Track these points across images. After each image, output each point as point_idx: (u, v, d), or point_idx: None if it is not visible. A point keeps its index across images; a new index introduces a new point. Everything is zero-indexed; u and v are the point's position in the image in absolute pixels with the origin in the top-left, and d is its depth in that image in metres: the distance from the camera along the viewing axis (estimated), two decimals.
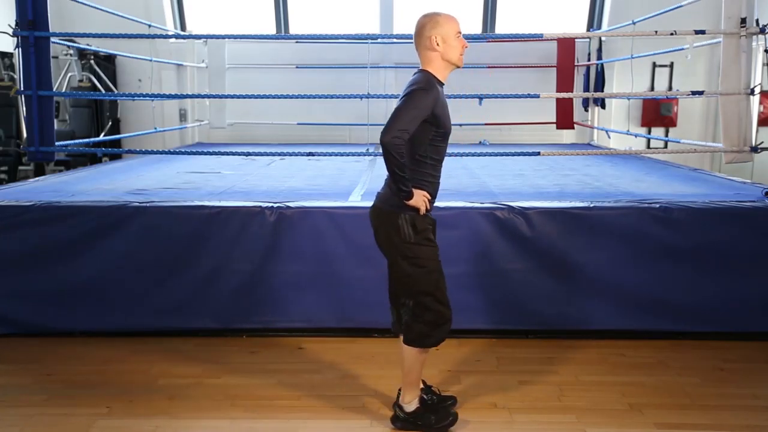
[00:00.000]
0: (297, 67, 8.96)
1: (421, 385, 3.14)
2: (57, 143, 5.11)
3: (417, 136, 2.76)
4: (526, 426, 3.10)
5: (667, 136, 9.02)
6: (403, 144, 2.70)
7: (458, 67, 2.90)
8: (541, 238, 4.06)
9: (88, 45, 8.37)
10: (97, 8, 6.06)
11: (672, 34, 5.18)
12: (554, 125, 8.79)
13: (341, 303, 4.09)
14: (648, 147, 8.91)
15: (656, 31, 5.39)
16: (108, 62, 9.05)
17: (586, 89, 8.75)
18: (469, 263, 4.06)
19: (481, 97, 5.06)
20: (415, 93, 2.74)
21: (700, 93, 5.56)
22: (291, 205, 4.15)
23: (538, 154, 5.29)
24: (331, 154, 5.44)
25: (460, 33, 2.86)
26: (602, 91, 8.50)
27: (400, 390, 3.10)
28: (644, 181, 5.40)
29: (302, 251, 4.08)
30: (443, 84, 2.89)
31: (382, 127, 2.72)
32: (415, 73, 2.90)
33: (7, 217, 4.13)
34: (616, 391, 3.43)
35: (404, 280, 2.92)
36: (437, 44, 2.82)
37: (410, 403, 3.03)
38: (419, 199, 2.82)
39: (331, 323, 4.12)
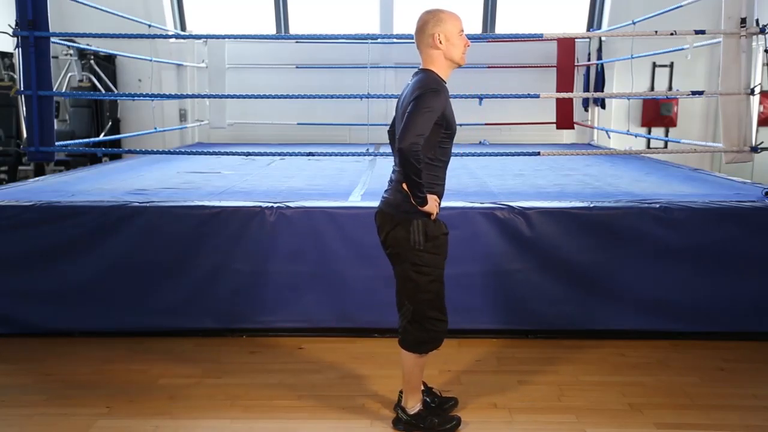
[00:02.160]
0: (297, 67, 8.96)
1: (420, 405, 3.07)
2: (57, 143, 5.10)
3: (427, 138, 2.71)
4: (526, 426, 3.10)
5: (667, 136, 9.02)
6: (420, 150, 2.64)
7: (460, 65, 2.86)
8: (541, 238, 4.06)
9: (88, 45, 8.37)
10: (97, 8, 6.06)
11: (672, 34, 5.18)
12: (554, 125, 8.78)
13: (341, 303, 4.09)
14: (648, 147, 8.91)
15: (656, 31, 5.39)
16: (108, 62, 9.05)
17: (586, 89, 8.75)
18: (469, 263, 4.05)
19: (481, 97, 5.06)
20: (426, 95, 2.68)
21: (700, 93, 5.56)
22: (291, 205, 4.15)
23: (538, 154, 5.29)
24: (331, 154, 5.44)
25: (462, 31, 2.81)
26: (602, 91, 8.49)
27: (401, 392, 3.10)
28: (644, 181, 5.40)
29: (302, 251, 4.08)
30: (445, 82, 2.85)
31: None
32: (416, 73, 2.85)
33: (7, 217, 4.13)
34: (616, 391, 3.43)
35: (408, 285, 2.90)
36: (440, 42, 2.76)
37: (413, 407, 3.02)
38: (432, 204, 2.79)
39: (331, 323, 4.12)
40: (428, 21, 2.79)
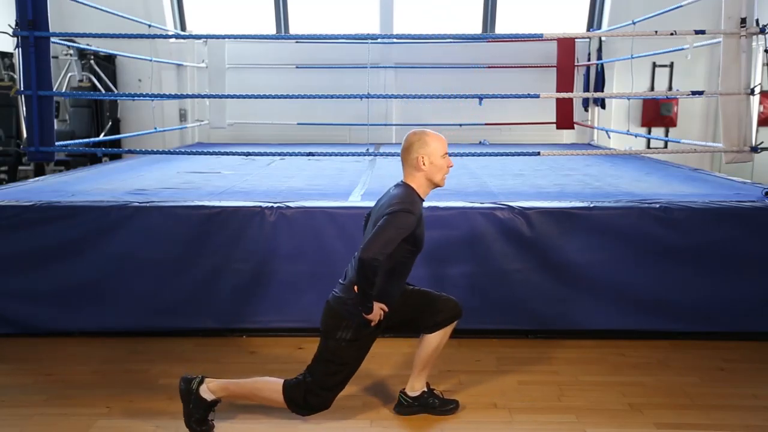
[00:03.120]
0: (297, 67, 8.97)
1: (425, 388, 3.18)
2: (57, 143, 5.10)
3: (391, 252, 2.79)
4: (526, 426, 3.10)
5: (667, 136, 9.03)
6: (380, 265, 2.73)
7: (439, 186, 2.97)
8: (541, 238, 4.06)
9: (88, 45, 8.37)
10: (97, 8, 6.07)
11: (672, 34, 5.18)
12: (554, 125, 8.79)
13: None
14: (648, 147, 8.92)
15: (656, 31, 5.40)
16: (108, 62, 9.05)
17: (586, 89, 8.75)
18: (469, 263, 4.06)
19: (481, 97, 5.06)
20: (399, 214, 2.78)
21: (700, 93, 5.56)
22: (291, 205, 4.15)
23: (538, 154, 5.29)
24: (331, 154, 5.44)
25: (446, 153, 2.92)
26: (602, 91, 8.50)
27: (401, 391, 3.18)
28: (644, 181, 5.40)
29: (302, 251, 4.08)
30: (423, 200, 2.94)
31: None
32: (397, 185, 2.96)
33: (7, 217, 4.13)
34: (616, 391, 3.43)
35: (318, 365, 2.99)
36: (423, 164, 2.88)
37: (415, 390, 3.14)
38: (377, 313, 2.87)
39: None
40: (414, 143, 2.90)
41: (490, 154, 5.43)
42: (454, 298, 3.15)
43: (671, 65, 9.02)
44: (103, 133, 8.72)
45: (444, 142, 2.93)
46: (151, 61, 7.05)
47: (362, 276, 2.75)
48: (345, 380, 3.03)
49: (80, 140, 7.36)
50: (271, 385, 3.03)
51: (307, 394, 2.99)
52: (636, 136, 8.35)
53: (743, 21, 4.65)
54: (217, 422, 3.13)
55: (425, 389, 3.17)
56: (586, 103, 9.02)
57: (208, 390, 3.02)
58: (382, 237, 2.74)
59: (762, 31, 4.68)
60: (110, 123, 8.96)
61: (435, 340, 3.08)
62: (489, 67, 8.62)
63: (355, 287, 2.83)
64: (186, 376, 3.07)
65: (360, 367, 3.64)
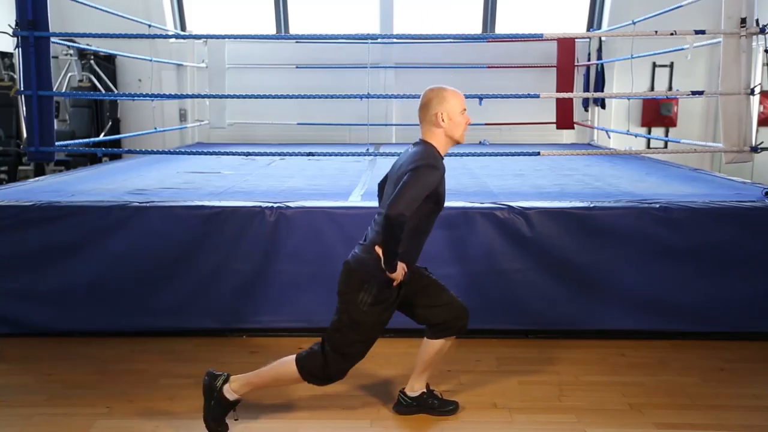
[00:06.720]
0: (297, 67, 8.97)
1: (424, 389, 3.18)
2: (57, 143, 5.11)
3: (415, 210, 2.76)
4: (526, 426, 3.10)
5: (667, 136, 9.03)
6: (406, 221, 2.68)
7: (459, 143, 2.94)
8: (541, 238, 4.06)
9: (88, 45, 8.37)
10: (97, 8, 6.07)
11: (672, 34, 5.18)
12: (554, 125, 8.79)
13: None
14: (648, 147, 8.92)
15: (656, 31, 5.40)
16: (108, 62, 9.06)
17: (586, 89, 8.75)
18: (469, 263, 4.06)
19: (481, 97, 5.06)
20: (423, 169, 2.74)
21: (700, 93, 5.56)
22: (291, 205, 4.15)
23: (538, 154, 5.29)
24: (331, 154, 5.45)
25: (465, 110, 2.89)
26: (602, 91, 8.50)
27: (401, 391, 3.19)
28: (644, 181, 5.40)
29: (302, 251, 4.09)
30: (443, 157, 2.90)
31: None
32: (416, 144, 2.92)
33: (7, 217, 4.13)
34: (616, 391, 3.43)
35: (334, 329, 2.93)
36: (442, 120, 2.84)
37: (414, 390, 3.15)
38: (400, 272, 2.83)
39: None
40: (432, 99, 2.87)
41: (490, 154, 5.43)
42: (462, 306, 3.06)
43: (671, 65, 9.02)
44: (103, 133, 8.72)
45: (462, 99, 2.89)
46: (151, 61, 7.04)
47: (388, 233, 2.70)
48: (365, 349, 2.97)
49: (80, 140, 7.36)
50: (287, 366, 2.97)
51: (326, 365, 2.92)
52: (636, 136, 8.36)
53: (743, 21, 4.65)
54: None
55: (425, 390, 3.17)
56: (586, 103, 9.03)
57: (231, 390, 2.97)
58: (409, 193, 2.68)
59: (762, 31, 4.68)
60: (110, 123, 8.96)
61: (436, 344, 3.06)
62: (489, 67, 8.61)
63: (376, 248, 2.78)
64: (212, 371, 3.02)
65: (359, 368, 3.65)
